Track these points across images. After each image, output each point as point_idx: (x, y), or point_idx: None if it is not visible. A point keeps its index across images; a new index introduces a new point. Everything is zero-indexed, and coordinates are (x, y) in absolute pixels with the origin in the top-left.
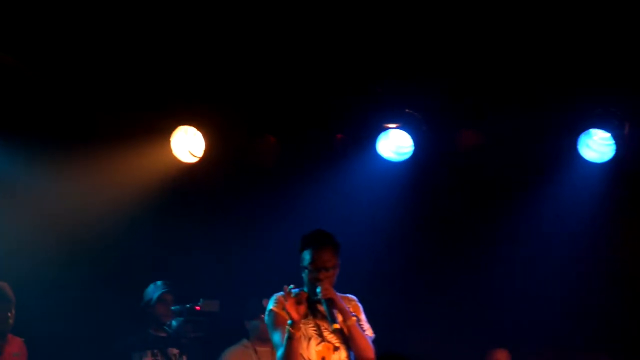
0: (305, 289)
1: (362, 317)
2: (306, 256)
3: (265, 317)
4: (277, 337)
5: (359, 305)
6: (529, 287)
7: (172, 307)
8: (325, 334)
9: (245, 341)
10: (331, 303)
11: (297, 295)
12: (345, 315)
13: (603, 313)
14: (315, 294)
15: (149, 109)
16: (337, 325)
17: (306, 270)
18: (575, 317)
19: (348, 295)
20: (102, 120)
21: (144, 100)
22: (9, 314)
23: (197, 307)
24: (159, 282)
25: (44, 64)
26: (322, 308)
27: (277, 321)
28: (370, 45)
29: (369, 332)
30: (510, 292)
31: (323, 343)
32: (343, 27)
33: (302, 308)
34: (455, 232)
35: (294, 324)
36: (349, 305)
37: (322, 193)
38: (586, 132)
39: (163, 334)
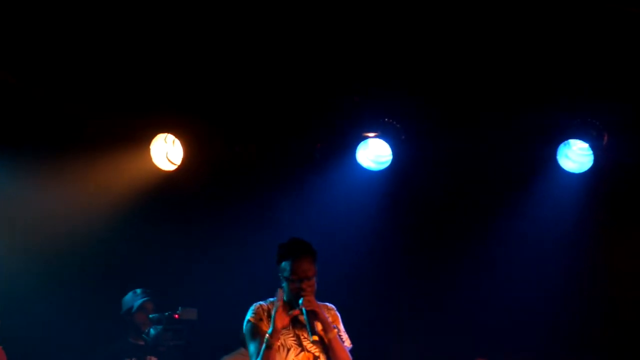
0: (285, 297)
1: (341, 327)
2: (286, 267)
3: (243, 327)
4: (253, 348)
5: (338, 314)
6: (509, 295)
7: (150, 315)
8: (305, 343)
9: (242, 349)
10: (313, 314)
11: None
12: (327, 327)
13: (583, 320)
14: (298, 304)
15: (128, 116)
16: (316, 337)
17: (285, 280)
18: (555, 325)
19: (327, 304)
20: (81, 127)
21: (123, 108)
22: None
23: (176, 315)
24: (138, 290)
25: (26, 72)
26: (302, 318)
27: (254, 332)
28: (348, 54)
29: (347, 342)
30: (491, 300)
31: (303, 353)
32: (322, 35)
33: (287, 319)
34: (434, 241)
35: (273, 333)
36: (328, 314)
37: (302, 201)
38: (565, 142)
39: (142, 342)
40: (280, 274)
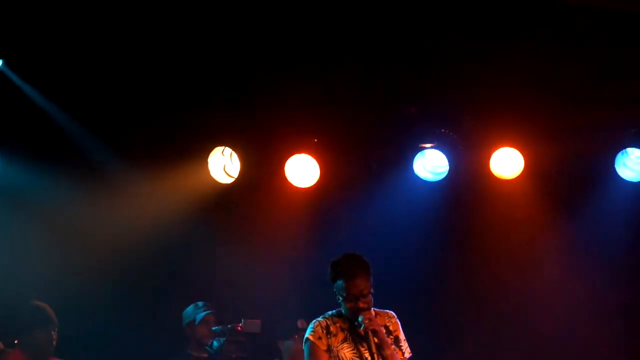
0: (343, 311)
1: (401, 335)
2: (340, 286)
3: (303, 345)
4: None
5: (398, 322)
6: (565, 307)
7: (213, 328)
8: (366, 355)
9: None
10: (373, 332)
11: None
12: (385, 345)
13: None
14: (356, 321)
15: (186, 129)
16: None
17: (342, 298)
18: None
19: (387, 311)
20: (139, 141)
21: (181, 121)
22: (53, 336)
23: (239, 328)
24: (200, 303)
25: (80, 87)
26: (360, 331)
27: (312, 351)
28: (405, 65)
29: (406, 352)
30: (546, 312)
31: None
32: (379, 47)
33: (340, 335)
34: (491, 251)
35: None
36: (389, 323)
37: (360, 213)
38: (623, 151)
39: (204, 355)
40: (335, 291)
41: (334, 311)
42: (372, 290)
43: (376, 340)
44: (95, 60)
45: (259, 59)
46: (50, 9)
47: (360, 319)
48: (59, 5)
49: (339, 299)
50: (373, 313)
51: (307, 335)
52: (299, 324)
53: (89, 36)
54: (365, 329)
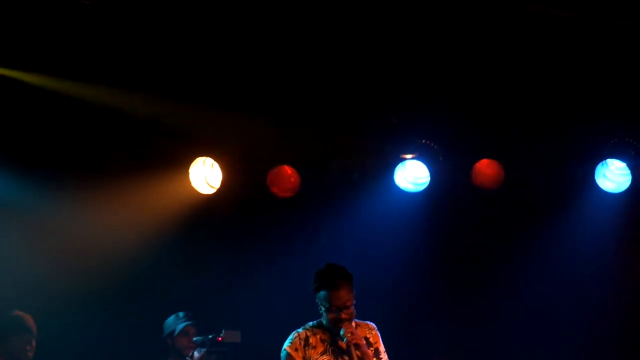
0: (324, 322)
1: (381, 347)
2: (324, 297)
3: (281, 354)
4: None
5: (378, 333)
6: (546, 317)
7: (194, 339)
8: None
9: None
10: (357, 347)
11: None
12: (367, 358)
13: (623, 337)
14: (338, 333)
15: (167, 140)
16: None
17: (324, 309)
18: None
19: (368, 322)
20: (120, 151)
21: (162, 132)
22: (28, 347)
23: (220, 338)
24: (180, 314)
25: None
26: (341, 344)
27: None
28: (386, 76)
29: None
30: (526, 322)
31: None
32: (360, 57)
33: (320, 347)
34: (472, 262)
35: None
36: (369, 334)
37: (340, 223)
38: (603, 162)
39: None
40: (317, 302)
41: (314, 322)
42: (354, 302)
43: (358, 353)
44: (86, 67)
45: (242, 69)
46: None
47: (342, 332)
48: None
49: (321, 309)
50: (354, 325)
51: (285, 346)
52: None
53: (78, 36)
54: (348, 343)
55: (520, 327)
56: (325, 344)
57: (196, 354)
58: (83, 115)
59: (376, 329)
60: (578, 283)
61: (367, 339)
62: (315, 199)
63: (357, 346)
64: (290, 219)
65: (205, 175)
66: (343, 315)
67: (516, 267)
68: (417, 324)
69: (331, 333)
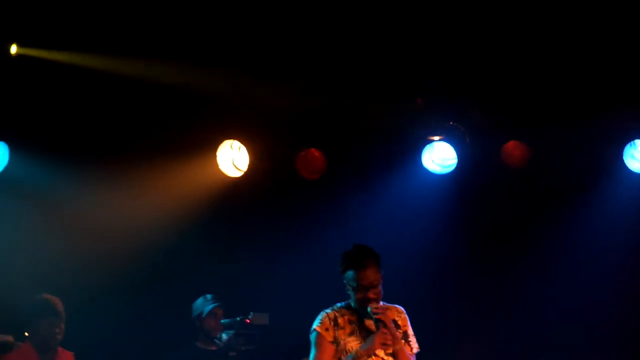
0: (352, 304)
1: (410, 330)
2: (352, 276)
3: (310, 335)
4: (313, 356)
5: (407, 317)
6: (574, 299)
7: (222, 321)
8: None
9: None
10: (383, 324)
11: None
12: (395, 339)
13: None
14: (365, 313)
15: (195, 123)
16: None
17: (350, 292)
18: (620, 331)
19: (397, 306)
20: (147, 134)
21: (189, 115)
22: (57, 330)
23: (248, 320)
24: (208, 296)
25: (90, 78)
26: (368, 324)
27: (318, 342)
28: (412, 57)
29: (415, 347)
30: (556, 305)
31: (371, 358)
32: (386, 39)
33: (348, 328)
34: (500, 244)
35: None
36: (398, 317)
37: (368, 205)
38: (631, 143)
39: (212, 347)
40: (345, 282)
41: (342, 303)
42: (381, 282)
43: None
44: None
45: (268, 52)
46: None
47: (369, 309)
48: None
49: (348, 289)
50: (383, 306)
51: (314, 326)
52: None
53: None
54: (376, 322)
55: (546, 310)
56: (353, 325)
57: (224, 336)
58: (110, 99)
59: (405, 312)
60: (607, 264)
61: (395, 321)
62: (343, 182)
63: (385, 326)
64: (317, 201)
65: (233, 158)
66: (370, 295)
67: (544, 250)
68: (444, 306)
69: (358, 314)
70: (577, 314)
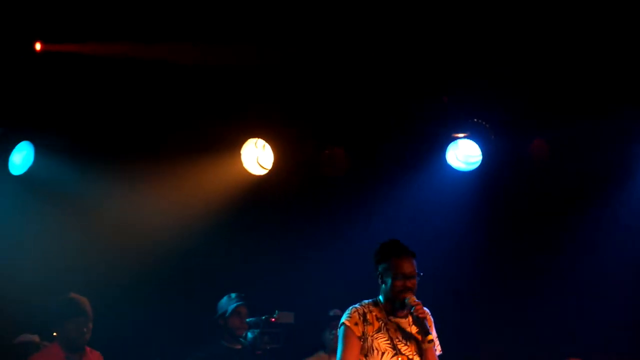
0: (381, 299)
1: (434, 332)
2: (388, 265)
3: (338, 329)
4: (341, 350)
5: (432, 319)
6: (602, 295)
7: (247, 320)
8: (400, 346)
9: (321, 352)
10: (423, 321)
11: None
12: (426, 337)
13: None
14: (402, 305)
15: (219, 122)
16: (431, 337)
17: (388, 280)
18: None
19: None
20: (172, 133)
21: (213, 114)
22: (85, 329)
23: (273, 319)
24: (233, 295)
25: (116, 78)
26: (396, 320)
27: (346, 336)
28: (439, 56)
29: (438, 349)
30: (583, 300)
31: (398, 356)
32: (410, 37)
33: (376, 324)
34: (525, 241)
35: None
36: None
37: (392, 203)
38: None
39: (237, 346)
40: (380, 272)
41: (370, 300)
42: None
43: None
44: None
45: (292, 52)
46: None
47: (406, 300)
48: None
49: (383, 279)
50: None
51: (343, 319)
52: (336, 313)
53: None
54: (415, 313)
55: (576, 307)
56: (381, 322)
57: (250, 335)
58: (135, 98)
59: (430, 313)
60: (632, 261)
61: None
62: (367, 179)
63: (422, 319)
64: (342, 199)
65: (257, 156)
66: (409, 284)
67: (571, 246)
68: (470, 304)
69: (387, 311)
70: (601, 311)
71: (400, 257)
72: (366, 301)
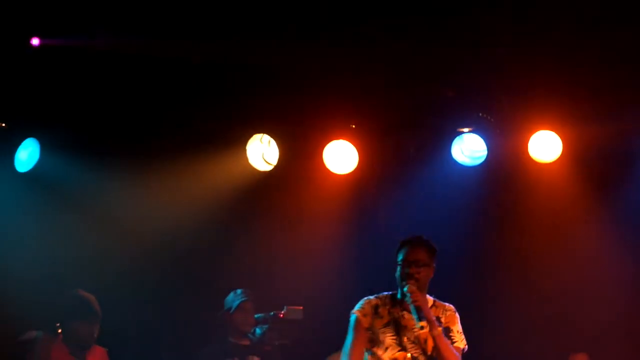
0: (398, 292)
1: (457, 327)
2: (400, 253)
3: (350, 319)
4: (349, 340)
5: (456, 315)
6: (610, 289)
7: (256, 315)
8: (405, 343)
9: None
10: (418, 309)
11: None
12: (431, 325)
13: None
14: (403, 294)
15: (224, 118)
16: (423, 323)
17: (398, 268)
18: None
19: (446, 304)
20: (177, 129)
21: (219, 109)
22: (94, 329)
23: (281, 315)
24: (238, 291)
25: (120, 74)
26: (403, 314)
27: (355, 326)
28: (443, 50)
29: (461, 343)
30: (590, 294)
31: (401, 352)
32: (413, 32)
33: (386, 318)
34: (531, 235)
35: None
36: (442, 315)
37: (397, 198)
38: None
39: (245, 342)
40: (396, 265)
41: (388, 292)
42: (428, 270)
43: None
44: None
45: (295, 46)
46: None
47: (405, 289)
48: None
49: (396, 271)
50: (430, 302)
51: (355, 309)
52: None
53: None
54: (412, 302)
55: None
56: (391, 317)
57: (258, 331)
58: (140, 95)
59: (454, 310)
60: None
61: (437, 317)
62: (372, 175)
63: (418, 308)
64: (348, 194)
65: (263, 152)
66: (411, 270)
67: (579, 241)
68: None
69: (401, 307)
70: (609, 307)
71: (410, 246)
72: (384, 293)
